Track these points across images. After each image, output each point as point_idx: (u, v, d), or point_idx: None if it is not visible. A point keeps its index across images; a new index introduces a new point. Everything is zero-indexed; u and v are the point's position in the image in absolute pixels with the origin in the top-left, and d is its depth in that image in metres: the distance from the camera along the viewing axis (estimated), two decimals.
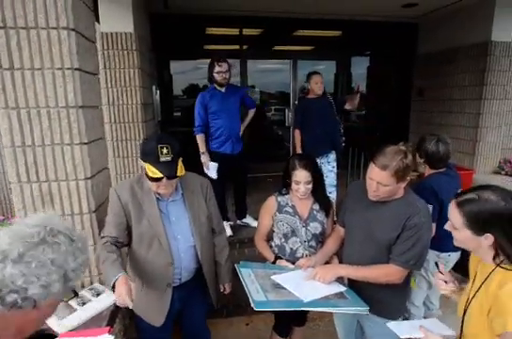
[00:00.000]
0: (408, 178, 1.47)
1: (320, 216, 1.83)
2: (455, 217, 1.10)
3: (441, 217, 1.95)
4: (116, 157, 3.57)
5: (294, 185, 1.76)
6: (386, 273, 1.50)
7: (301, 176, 1.72)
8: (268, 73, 5.91)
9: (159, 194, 1.54)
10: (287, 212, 1.82)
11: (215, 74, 3.00)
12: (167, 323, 1.63)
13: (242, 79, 5.25)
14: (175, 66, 5.44)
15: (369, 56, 6.03)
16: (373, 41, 5.45)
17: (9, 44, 1.55)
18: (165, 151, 1.40)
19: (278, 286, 1.51)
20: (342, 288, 1.56)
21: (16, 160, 1.68)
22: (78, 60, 1.63)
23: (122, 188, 1.55)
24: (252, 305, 1.35)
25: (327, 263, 1.79)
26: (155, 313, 1.60)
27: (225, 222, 3.22)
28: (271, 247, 1.90)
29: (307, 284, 1.54)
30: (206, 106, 3.08)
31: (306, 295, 1.45)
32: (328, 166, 3.53)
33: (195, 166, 3.18)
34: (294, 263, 1.76)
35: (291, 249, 1.82)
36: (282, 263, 1.76)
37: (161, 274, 1.56)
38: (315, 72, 3.42)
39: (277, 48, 5.51)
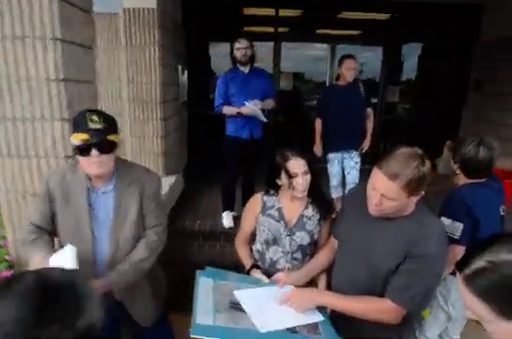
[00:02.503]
0: (423, 192, 1.15)
1: (311, 224, 1.57)
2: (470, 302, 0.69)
3: (475, 238, 1.59)
4: (133, 137, 3.55)
5: (290, 181, 1.49)
6: (379, 309, 1.17)
7: (298, 166, 1.47)
8: (305, 59, 5.58)
9: (91, 181, 1.38)
10: (271, 215, 1.59)
11: (235, 51, 2.82)
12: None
13: (275, 63, 4.98)
14: (212, 46, 5.30)
15: (421, 42, 5.44)
16: (426, 26, 4.88)
17: None
18: (95, 118, 1.24)
19: (235, 306, 1.24)
20: (318, 317, 1.25)
21: None
22: (61, 29, 1.52)
23: (53, 174, 1.42)
24: (190, 328, 1.08)
25: (310, 282, 1.53)
26: None
27: (228, 212, 3.09)
28: (252, 251, 1.69)
29: (274, 308, 1.26)
30: (227, 87, 2.92)
31: (266, 323, 1.16)
32: (351, 161, 3.20)
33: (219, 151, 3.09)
34: (270, 275, 1.51)
35: (271, 258, 1.60)
36: (256, 274, 1.51)
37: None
38: (349, 56, 3.06)
39: (318, 32, 5.15)
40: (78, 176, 1.38)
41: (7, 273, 1.87)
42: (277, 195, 1.61)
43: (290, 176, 1.48)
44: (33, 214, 1.46)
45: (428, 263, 1.12)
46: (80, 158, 1.28)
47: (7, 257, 1.91)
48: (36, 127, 1.66)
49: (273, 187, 1.60)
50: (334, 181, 3.26)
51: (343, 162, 3.22)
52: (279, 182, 1.54)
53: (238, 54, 2.81)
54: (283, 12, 4.73)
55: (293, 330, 1.17)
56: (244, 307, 1.24)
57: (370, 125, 3.25)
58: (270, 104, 2.98)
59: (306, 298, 1.28)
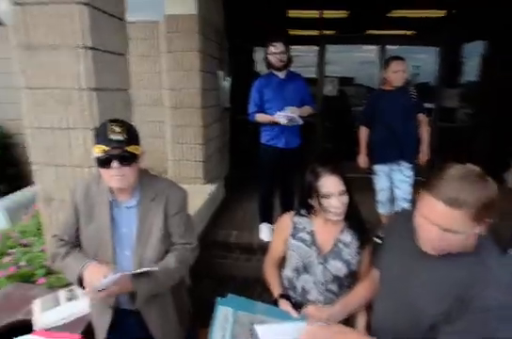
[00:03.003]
0: (489, 220, 0.88)
1: (348, 253, 1.35)
2: None
3: None
4: (175, 143, 3.55)
5: (323, 202, 1.29)
6: None
7: (331, 184, 1.26)
8: (352, 62, 5.30)
9: (114, 195, 1.30)
10: (302, 239, 1.38)
11: (269, 56, 2.68)
12: None
13: (319, 67, 4.78)
14: (256, 51, 5.25)
15: (484, 39, 4.93)
16: (490, 22, 4.41)
17: (28, 22, 1.49)
18: (116, 128, 1.18)
19: None
20: None
21: (34, 142, 1.67)
22: (92, 38, 1.50)
23: (79, 185, 1.37)
24: None
25: (347, 320, 1.30)
26: (98, 330, 1.40)
27: (265, 224, 2.94)
28: (282, 277, 1.49)
29: None
30: (262, 93, 2.79)
31: None
32: (401, 175, 2.83)
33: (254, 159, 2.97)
34: (301, 307, 1.29)
35: (302, 287, 1.40)
36: (284, 305, 1.29)
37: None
38: (397, 58, 2.76)
39: (366, 33, 4.88)
40: (102, 189, 1.31)
41: (42, 280, 1.87)
42: (309, 216, 1.41)
43: (321, 197, 1.28)
44: (60, 226, 1.42)
45: (490, 319, 0.82)
46: (101, 170, 1.22)
47: (44, 263, 1.92)
48: (70, 136, 1.65)
49: (306, 208, 1.40)
50: (381, 196, 2.94)
51: (391, 175, 2.90)
52: (311, 202, 1.35)
53: (273, 59, 2.67)
54: (328, 14, 4.54)
55: None
56: None
57: (425, 134, 2.89)
58: (307, 110, 2.79)
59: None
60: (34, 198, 2.89)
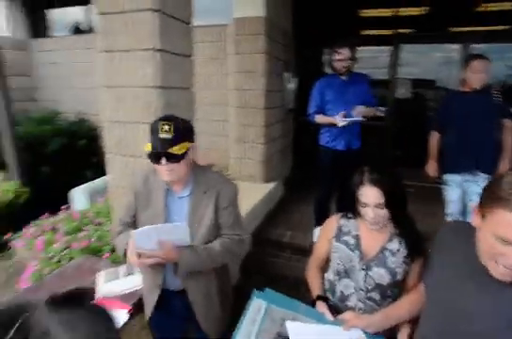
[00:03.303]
0: None
1: (394, 261, 1.27)
2: None
3: None
4: (237, 142, 3.70)
5: (360, 209, 1.27)
6: None
7: (369, 196, 1.21)
8: (430, 62, 4.92)
9: (169, 186, 1.40)
10: (346, 243, 1.34)
11: (333, 63, 2.65)
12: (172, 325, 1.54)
13: (392, 69, 4.55)
14: (326, 53, 5.18)
15: None
16: None
17: (109, 29, 1.70)
18: (166, 127, 1.24)
19: (282, 338, 1.11)
20: None
21: (109, 134, 1.89)
22: (161, 41, 1.65)
23: (139, 174, 1.50)
24: None
25: (388, 333, 1.20)
26: (146, 306, 1.52)
27: (320, 228, 2.89)
28: (324, 279, 1.47)
29: None
30: (323, 94, 2.77)
31: None
32: (477, 187, 2.52)
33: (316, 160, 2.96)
34: (338, 312, 1.27)
35: (342, 292, 1.36)
36: (321, 307, 1.27)
37: (152, 270, 1.45)
38: (478, 56, 2.47)
39: (447, 30, 4.50)
40: (158, 179, 1.42)
41: (108, 255, 2.09)
42: (356, 219, 1.37)
43: (360, 204, 1.25)
44: (123, 209, 1.58)
45: None
46: (153, 165, 1.34)
47: (111, 241, 2.16)
48: (139, 129, 1.84)
49: (352, 211, 1.36)
50: (451, 208, 2.68)
51: (465, 186, 2.62)
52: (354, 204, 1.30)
53: (338, 65, 2.63)
54: (404, 12, 4.30)
55: None
56: None
57: (509, 141, 2.56)
58: (372, 111, 2.69)
59: None
60: None
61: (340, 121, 2.57)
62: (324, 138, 2.83)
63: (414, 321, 1.16)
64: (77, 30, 5.44)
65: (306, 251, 2.91)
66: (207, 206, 1.39)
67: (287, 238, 3.04)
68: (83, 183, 3.42)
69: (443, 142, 2.69)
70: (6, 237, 2.45)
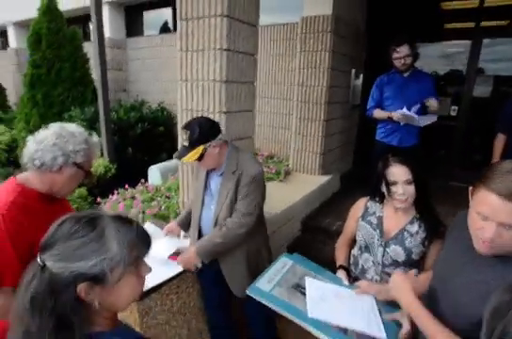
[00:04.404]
0: None
1: (411, 241, 1.41)
2: None
3: None
4: (297, 134, 3.89)
5: (391, 190, 1.40)
6: None
7: (398, 173, 1.36)
8: None
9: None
10: (369, 222, 1.51)
11: (393, 60, 2.69)
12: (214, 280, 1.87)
13: (470, 64, 4.29)
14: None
15: None
16: None
17: (187, 32, 2.04)
18: (184, 136, 1.56)
19: (298, 289, 1.29)
20: (380, 334, 1.13)
21: (182, 121, 2.25)
22: (227, 42, 1.93)
23: None
24: (248, 289, 1.26)
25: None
26: None
27: None
28: (350, 254, 1.65)
29: (335, 304, 1.24)
30: (382, 90, 2.83)
31: (318, 311, 1.16)
32: None
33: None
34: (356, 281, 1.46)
35: (362, 266, 1.53)
36: (340, 274, 1.47)
37: (193, 235, 1.84)
38: None
39: None
40: None
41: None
42: (381, 203, 1.52)
43: (389, 184, 1.38)
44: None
45: None
46: None
47: (177, 210, 2.54)
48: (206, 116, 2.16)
49: (378, 195, 1.50)
50: None
51: None
52: (381, 189, 1.45)
53: (397, 63, 2.68)
54: (491, 2, 4.01)
55: (342, 330, 1.13)
56: (307, 292, 1.27)
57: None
58: (434, 104, 2.66)
59: (398, 292, 1.11)
60: (178, 165, 3.76)
61: (395, 113, 2.62)
62: (379, 134, 2.90)
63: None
64: (164, 29, 6.09)
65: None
66: (231, 184, 1.67)
67: (336, 227, 3.18)
68: (158, 162, 3.95)
69: (509, 144, 2.58)
70: (97, 201, 3.00)
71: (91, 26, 6.96)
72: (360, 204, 1.61)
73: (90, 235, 0.67)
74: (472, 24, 4.23)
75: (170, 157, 5.05)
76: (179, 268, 1.77)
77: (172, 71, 5.85)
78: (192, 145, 1.55)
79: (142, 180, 3.27)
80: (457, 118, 4.54)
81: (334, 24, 3.29)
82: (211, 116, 2.10)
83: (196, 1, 1.94)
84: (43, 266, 0.66)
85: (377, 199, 1.53)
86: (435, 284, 1.15)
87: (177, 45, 2.10)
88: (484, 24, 4.16)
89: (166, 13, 5.90)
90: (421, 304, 1.05)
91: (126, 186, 3.03)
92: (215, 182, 1.75)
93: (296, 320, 1.14)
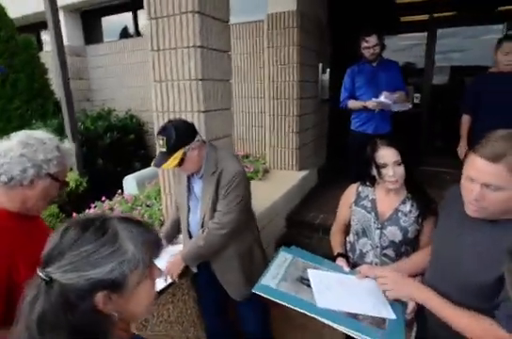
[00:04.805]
0: None
1: (406, 220, 1.44)
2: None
3: None
4: (272, 131, 3.89)
5: (381, 172, 1.43)
6: (483, 331, 0.95)
7: (388, 155, 1.39)
8: (473, 47, 4.74)
9: None
10: (363, 206, 1.53)
11: (362, 50, 2.77)
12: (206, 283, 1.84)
13: (427, 55, 4.49)
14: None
15: None
16: None
17: (158, 31, 1.97)
18: (160, 142, 1.50)
19: (303, 281, 1.29)
20: (389, 314, 1.15)
21: (158, 123, 2.17)
22: (201, 39, 1.89)
23: None
24: (254, 287, 1.22)
25: None
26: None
27: None
28: (346, 241, 1.67)
29: (341, 291, 1.25)
30: (354, 80, 2.89)
31: (326, 301, 1.17)
32: None
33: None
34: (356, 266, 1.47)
35: (360, 250, 1.55)
36: (340, 261, 1.49)
37: (184, 241, 1.81)
38: (508, 38, 2.53)
39: (494, 10, 4.32)
40: None
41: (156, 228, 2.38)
42: (372, 186, 1.55)
43: (379, 167, 1.41)
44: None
45: None
46: None
47: (161, 217, 2.45)
48: (183, 117, 2.09)
49: (368, 178, 1.54)
50: None
51: None
52: (371, 172, 1.48)
53: (366, 53, 2.76)
54: None
55: (353, 316, 1.14)
56: (312, 283, 1.27)
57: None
58: (401, 97, 2.77)
59: (405, 289, 1.15)
60: (155, 173, 3.65)
61: (370, 102, 2.68)
62: (354, 123, 2.96)
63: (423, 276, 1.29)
64: (125, 35, 5.91)
65: None
66: (211, 185, 1.61)
67: (319, 220, 3.21)
68: (132, 172, 3.81)
69: (475, 124, 2.72)
70: (72, 217, 2.85)
71: (43, 35, 6.65)
72: (352, 190, 1.62)
73: (103, 239, 0.62)
74: (426, 17, 4.42)
75: (144, 166, 4.91)
76: (169, 279, 1.71)
77: (137, 76, 5.76)
78: (170, 151, 1.49)
79: (119, 191, 3.14)
80: (421, 105, 4.75)
81: (299, 19, 3.33)
82: (189, 115, 2.05)
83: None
84: (49, 281, 0.59)
85: (368, 183, 1.56)
86: (435, 260, 1.19)
87: (148, 45, 2.02)
88: (437, 15, 4.37)
89: (125, 18, 5.73)
90: (434, 294, 1.08)
91: (103, 198, 2.90)
92: (197, 185, 1.70)
93: (309, 314, 1.12)
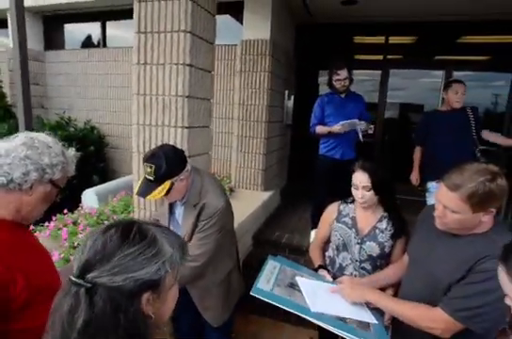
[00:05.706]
0: (493, 209, 1.10)
1: (383, 237, 1.59)
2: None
3: None
4: (239, 151, 3.97)
5: (353, 191, 1.60)
6: (428, 316, 1.14)
7: (358, 179, 1.55)
8: (420, 88, 5.32)
9: None
10: (345, 223, 1.67)
11: (333, 82, 3.00)
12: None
13: (381, 92, 4.96)
14: (321, 75, 5.57)
15: None
16: None
17: (146, 45, 2.00)
18: (148, 170, 1.41)
19: (294, 287, 1.39)
20: (370, 319, 1.30)
21: (138, 135, 2.15)
22: (190, 57, 1.95)
23: None
24: (251, 290, 1.29)
25: None
26: None
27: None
28: (324, 257, 1.78)
29: (328, 298, 1.37)
30: (323, 109, 3.10)
31: (318, 305, 1.29)
32: None
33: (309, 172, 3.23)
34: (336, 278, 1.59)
35: (340, 264, 1.67)
36: (322, 272, 1.62)
37: None
38: (458, 80, 2.94)
39: (434, 58, 4.95)
40: None
41: None
42: (353, 204, 1.69)
43: (352, 186, 1.59)
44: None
45: (488, 279, 1.01)
46: None
47: None
48: (164, 132, 2.10)
49: (349, 196, 1.68)
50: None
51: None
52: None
53: (337, 85, 2.99)
54: (394, 40, 4.75)
55: (342, 320, 1.26)
56: (302, 289, 1.38)
57: (499, 139, 2.99)
58: (365, 125, 3.01)
59: (358, 292, 1.36)
60: (118, 187, 3.51)
61: (337, 126, 2.88)
62: (322, 149, 3.15)
63: (396, 287, 1.48)
64: (87, 44, 5.76)
65: (302, 251, 3.16)
66: (192, 217, 1.55)
67: (285, 239, 3.28)
68: (91, 186, 3.63)
69: (426, 154, 3.04)
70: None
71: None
72: (334, 209, 1.75)
73: (145, 241, 0.63)
74: (380, 57, 4.92)
75: (102, 179, 4.68)
76: None
77: (101, 88, 5.57)
78: (158, 181, 1.41)
79: (79, 204, 2.97)
80: (374, 135, 5.17)
81: (272, 47, 3.54)
82: (172, 130, 2.07)
83: (157, 16, 1.93)
84: (90, 288, 0.58)
85: (350, 200, 1.70)
86: (411, 268, 1.36)
87: (134, 58, 2.04)
88: (390, 57, 4.88)
89: (90, 28, 5.60)
90: (385, 295, 1.34)
91: (65, 211, 2.72)
92: (178, 210, 1.67)
93: (305, 317, 1.23)
